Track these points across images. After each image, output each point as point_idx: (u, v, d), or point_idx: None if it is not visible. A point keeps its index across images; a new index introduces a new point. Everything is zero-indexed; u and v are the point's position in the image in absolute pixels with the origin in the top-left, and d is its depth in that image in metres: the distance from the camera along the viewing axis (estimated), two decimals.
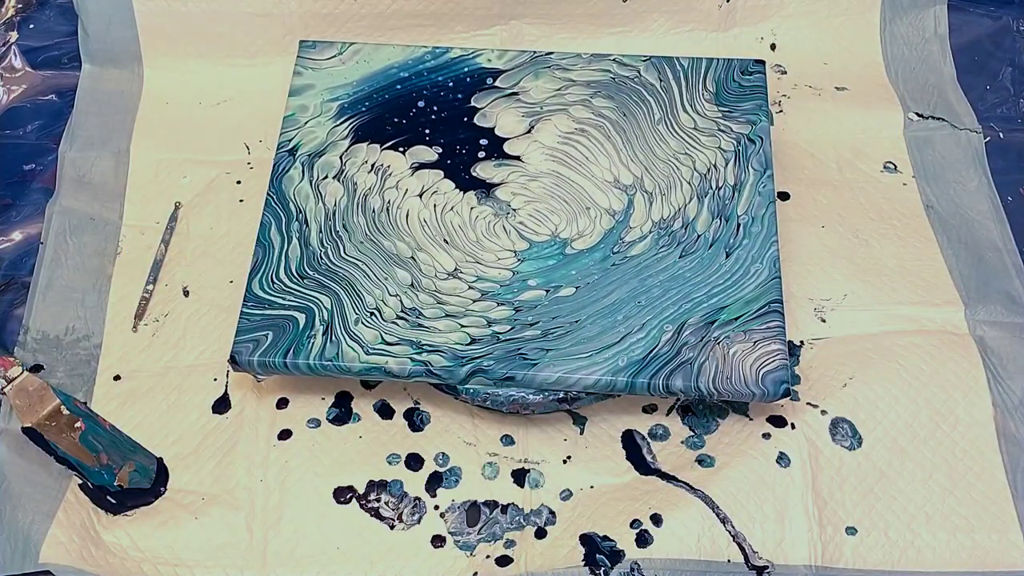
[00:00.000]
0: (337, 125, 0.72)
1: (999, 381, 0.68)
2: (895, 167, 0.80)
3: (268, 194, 0.69)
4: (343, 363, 0.63)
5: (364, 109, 0.73)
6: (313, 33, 0.85)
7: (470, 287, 0.66)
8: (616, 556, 0.61)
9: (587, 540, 0.62)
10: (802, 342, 0.70)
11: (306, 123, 0.72)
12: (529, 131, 0.72)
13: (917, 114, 0.83)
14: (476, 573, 0.62)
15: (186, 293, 0.74)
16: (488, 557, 0.63)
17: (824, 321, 0.71)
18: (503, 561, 0.63)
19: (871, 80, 0.86)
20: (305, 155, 0.71)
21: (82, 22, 0.84)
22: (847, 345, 0.70)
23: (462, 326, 0.64)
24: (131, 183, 0.79)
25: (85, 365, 0.70)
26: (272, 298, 0.65)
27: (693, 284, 0.65)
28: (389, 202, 0.69)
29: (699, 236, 0.67)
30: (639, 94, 0.74)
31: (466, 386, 0.63)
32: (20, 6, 0.86)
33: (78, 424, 0.58)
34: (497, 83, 0.74)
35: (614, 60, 0.75)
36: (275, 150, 0.71)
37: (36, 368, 0.69)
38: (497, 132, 0.72)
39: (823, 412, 0.67)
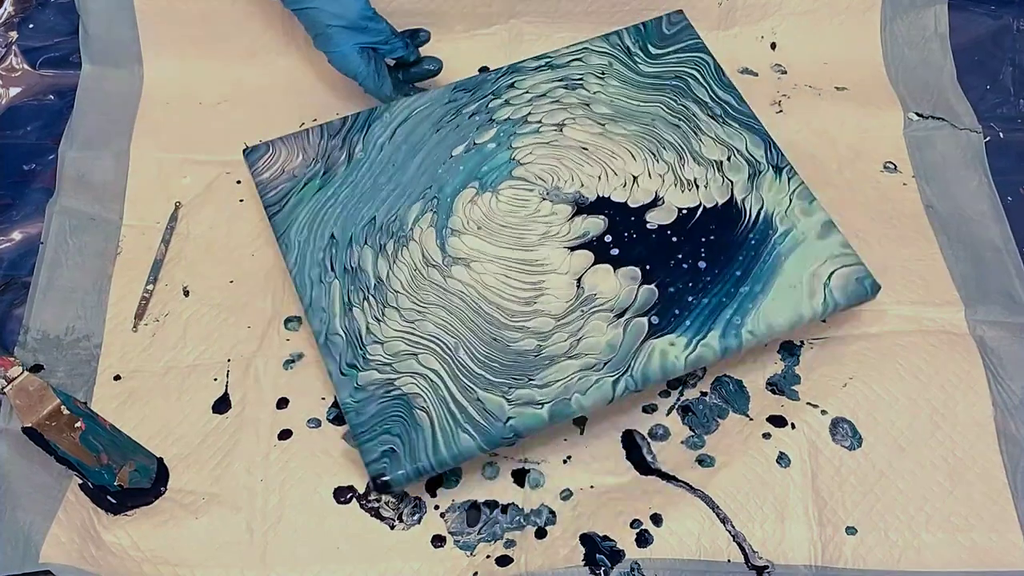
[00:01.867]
0: None
1: (999, 381, 0.68)
2: (895, 167, 0.80)
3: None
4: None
5: None
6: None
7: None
8: (616, 556, 0.61)
9: (587, 540, 0.62)
10: (802, 342, 0.70)
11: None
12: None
13: (917, 114, 0.83)
14: (476, 573, 0.62)
15: (186, 293, 0.74)
16: (488, 557, 0.63)
17: (824, 321, 0.71)
18: (503, 561, 0.63)
19: (871, 80, 0.86)
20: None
21: (83, 22, 0.84)
22: (847, 345, 0.70)
23: None
24: (131, 183, 0.79)
25: (85, 365, 0.70)
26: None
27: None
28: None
29: None
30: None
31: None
32: (20, 6, 0.86)
33: (78, 424, 0.58)
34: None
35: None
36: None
37: (36, 368, 0.69)
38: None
39: (823, 412, 0.67)
